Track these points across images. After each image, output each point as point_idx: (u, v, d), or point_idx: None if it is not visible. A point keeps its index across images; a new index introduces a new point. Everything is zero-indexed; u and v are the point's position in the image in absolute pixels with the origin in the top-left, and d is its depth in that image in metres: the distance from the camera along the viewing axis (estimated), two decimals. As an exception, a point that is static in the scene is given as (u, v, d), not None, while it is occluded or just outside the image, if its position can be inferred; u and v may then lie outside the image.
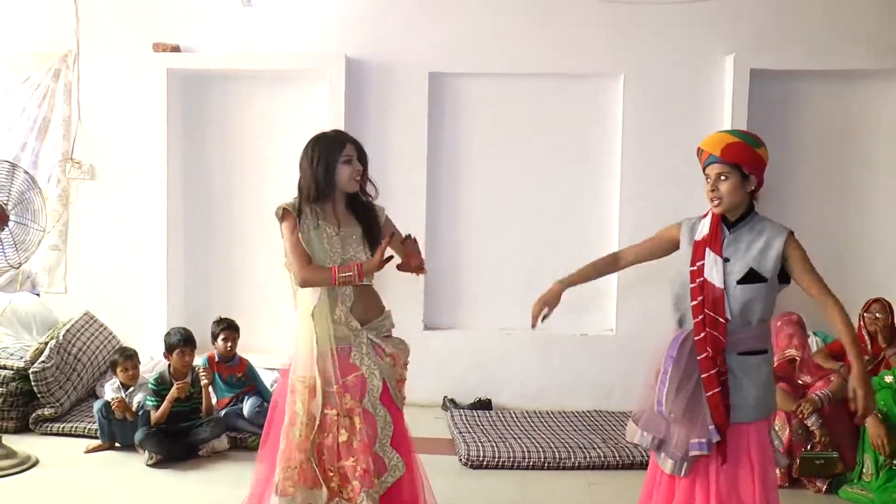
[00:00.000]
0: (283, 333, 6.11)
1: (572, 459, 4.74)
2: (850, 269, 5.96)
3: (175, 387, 4.69)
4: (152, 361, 5.64)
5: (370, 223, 3.33)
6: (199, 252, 6.20)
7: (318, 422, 3.16)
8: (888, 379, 4.25)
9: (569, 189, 6.03)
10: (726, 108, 5.71)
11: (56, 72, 6.09)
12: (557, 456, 4.75)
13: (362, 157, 3.31)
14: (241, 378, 5.17)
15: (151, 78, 5.89)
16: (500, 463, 4.70)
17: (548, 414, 5.65)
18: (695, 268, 2.94)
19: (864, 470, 4.22)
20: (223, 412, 4.96)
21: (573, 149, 6.00)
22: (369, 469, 3.14)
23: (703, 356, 2.88)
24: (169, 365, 4.84)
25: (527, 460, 4.71)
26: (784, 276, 2.93)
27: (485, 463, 4.70)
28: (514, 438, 5.03)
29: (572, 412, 5.70)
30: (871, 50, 5.70)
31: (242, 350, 5.27)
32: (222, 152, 6.16)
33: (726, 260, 2.92)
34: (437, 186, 6.00)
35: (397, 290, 6.19)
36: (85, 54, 6.05)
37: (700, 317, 2.90)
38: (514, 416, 5.58)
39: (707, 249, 2.93)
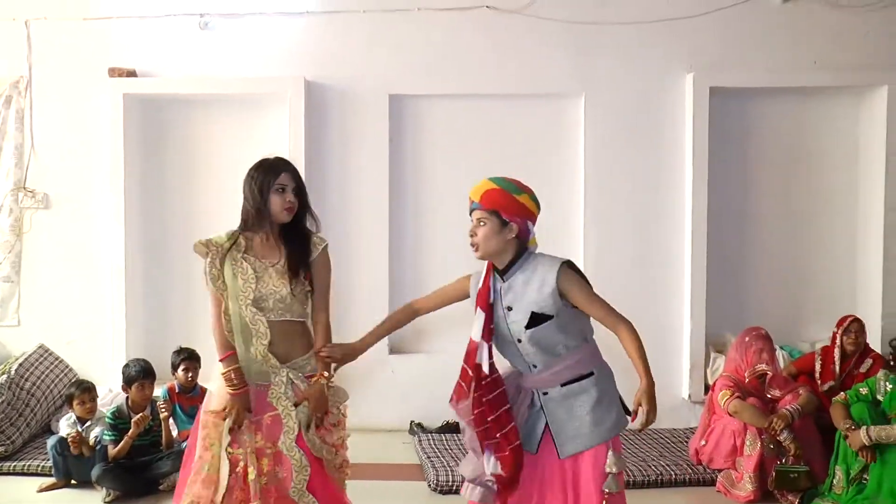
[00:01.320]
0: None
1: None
2: (808, 284, 6.05)
3: (134, 422, 4.52)
4: (111, 394, 5.47)
5: (294, 254, 3.16)
6: (159, 281, 6.07)
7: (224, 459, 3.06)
8: (863, 391, 4.26)
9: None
10: (687, 125, 5.77)
11: (7, 98, 5.93)
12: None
13: (300, 187, 3.17)
14: (203, 409, 5.03)
15: (107, 103, 5.78)
16: (471, 488, 4.62)
17: (517, 436, 5.58)
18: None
19: (834, 482, 4.22)
20: (184, 444, 4.80)
21: (536, 169, 5.97)
22: None
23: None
24: (127, 398, 4.67)
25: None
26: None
27: (454, 488, 4.60)
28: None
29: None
30: (826, 68, 5.81)
31: (203, 380, 5.12)
32: (181, 178, 6.05)
33: (509, 309, 2.93)
34: (400, 209, 5.96)
35: (362, 314, 6.12)
36: (37, 80, 5.91)
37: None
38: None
39: (477, 309, 2.98)
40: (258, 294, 3.09)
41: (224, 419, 3.07)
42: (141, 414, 4.55)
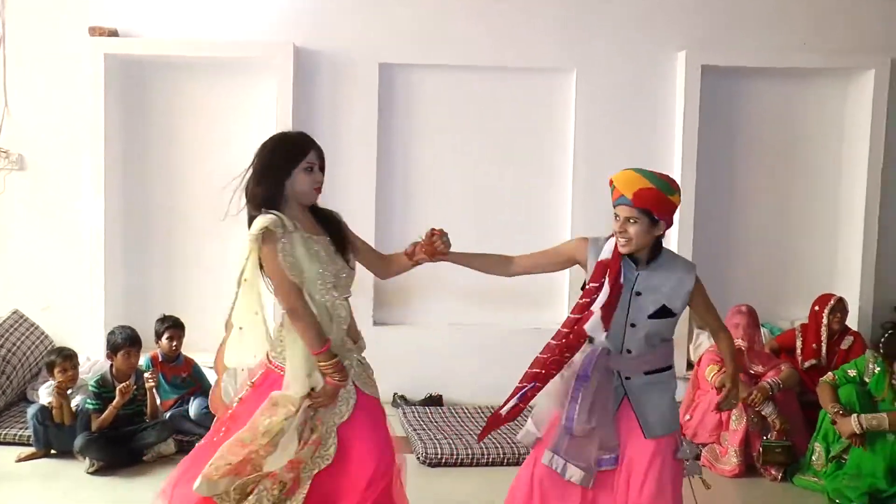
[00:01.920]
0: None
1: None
2: (790, 264, 6.15)
3: (119, 390, 4.43)
4: (89, 362, 5.38)
5: (339, 232, 3.04)
6: (140, 247, 5.93)
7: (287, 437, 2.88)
8: (851, 372, 4.34)
9: (521, 183, 6.01)
10: (678, 103, 5.79)
11: (-20, 55, 5.72)
12: (517, 451, 4.70)
13: (323, 165, 3.01)
14: (187, 378, 4.97)
15: (87, 64, 5.58)
16: (459, 460, 4.64)
17: (501, 409, 5.61)
18: (591, 286, 2.97)
19: (814, 458, 4.32)
20: (168, 414, 4.75)
21: (525, 143, 5.99)
22: (281, 480, 2.90)
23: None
24: (111, 366, 4.59)
25: (486, 457, 4.66)
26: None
27: (443, 461, 4.63)
28: (470, 435, 4.97)
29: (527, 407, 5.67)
30: (817, 50, 5.88)
31: (186, 349, 5.06)
32: (164, 143, 5.90)
33: (637, 294, 2.97)
34: (388, 180, 5.90)
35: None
36: (12, 36, 5.68)
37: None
38: (466, 411, 5.53)
39: (605, 279, 2.94)
40: (334, 275, 2.95)
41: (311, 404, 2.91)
42: (126, 383, 4.47)
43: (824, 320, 4.95)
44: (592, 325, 2.92)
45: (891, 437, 4.03)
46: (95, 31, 5.56)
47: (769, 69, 5.89)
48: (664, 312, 2.96)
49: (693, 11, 5.81)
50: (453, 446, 4.73)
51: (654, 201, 2.89)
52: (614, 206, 2.97)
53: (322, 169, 3.01)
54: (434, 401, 5.75)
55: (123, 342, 4.54)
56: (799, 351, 5.06)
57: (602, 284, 2.93)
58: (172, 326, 4.89)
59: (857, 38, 5.91)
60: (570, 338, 3.01)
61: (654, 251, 3.00)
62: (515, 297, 6.04)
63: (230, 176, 6.03)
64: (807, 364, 4.99)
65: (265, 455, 2.89)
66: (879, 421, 4.01)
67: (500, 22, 5.78)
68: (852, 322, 5.61)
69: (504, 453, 4.68)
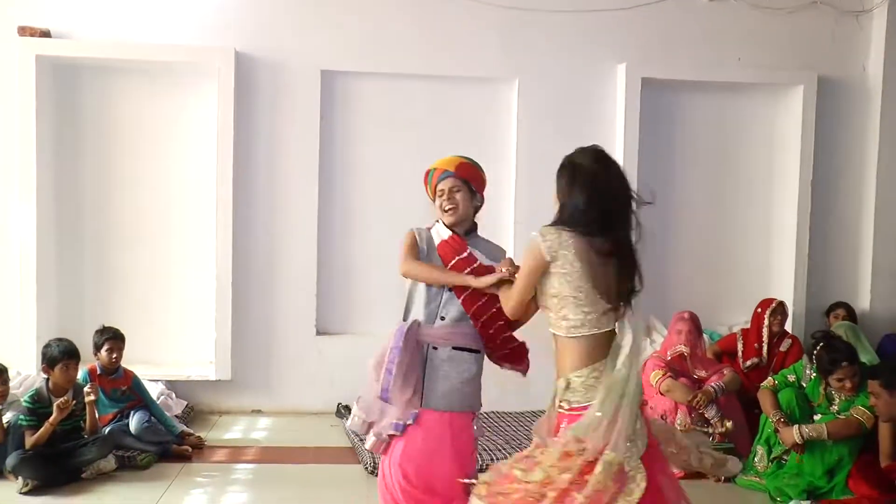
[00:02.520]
0: (166, 342, 5.78)
1: (479, 462, 4.71)
2: (726, 271, 6.35)
3: (57, 406, 4.22)
4: (20, 377, 5.14)
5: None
6: (73, 257, 5.73)
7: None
8: (791, 378, 4.51)
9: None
10: (618, 114, 5.93)
11: None
12: (464, 459, 4.72)
13: None
14: (126, 392, 4.81)
15: (17, 65, 5.36)
16: (407, 470, 4.61)
17: (446, 417, 5.61)
18: (462, 256, 3.15)
19: (756, 459, 4.45)
20: (107, 429, 4.57)
21: (467, 152, 5.87)
22: None
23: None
24: (47, 380, 4.38)
25: (434, 466, 4.65)
26: None
27: (391, 470, 4.60)
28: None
29: (470, 415, 5.69)
30: (750, 66, 6.11)
31: (123, 361, 4.89)
32: (98, 149, 5.72)
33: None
34: (330, 188, 5.84)
35: (290, 293, 6.01)
36: (-65, 37, 5.43)
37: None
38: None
39: (465, 247, 3.17)
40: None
41: None
42: (64, 398, 4.27)
43: (766, 322, 5.13)
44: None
45: (829, 442, 4.19)
46: (26, 31, 5.35)
47: (705, 83, 6.09)
48: None
49: (633, 26, 5.96)
50: (401, 456, 4.70)
51: (473, 174, 3.27)
52: (437, 184, 3.21)
53: None
54: (379, 410, 5.70)
55: (61, 355, 4.35)
56: (740, 352, 5.23)
57: (467, 255, 3.15)
58: (112, 338, 4.73)
59: (788, 55, 6.18)
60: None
61: (470, 229, 3.28)
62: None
63: (168, 183, 5.95)
64: (748, 363, 5.16)
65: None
66: (819, 432, 4.14)
67: (443, 31, 5.82)
68: (788, 325, 5.84)
69: (453, 461, 4.68)
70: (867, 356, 4.95)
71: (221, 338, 5.58)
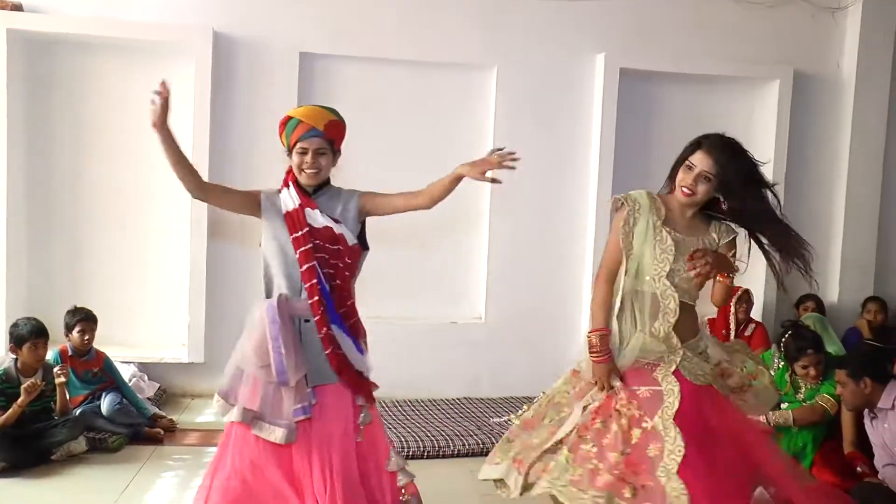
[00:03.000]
0: (138, 324, 5.73)
1: (451, 447, 4.76)
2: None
3: (24, 388, 4.17)
4: (-12, 357, 5.07)
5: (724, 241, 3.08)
6: (44, 236, 5.63)
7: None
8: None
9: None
10: (596, 104, 5.95)
11: None
12: (436, 445, 4.75)
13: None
14: (98, 373, 4.78)
15: (-13, 39, 5.24)
16: (381, 454, 4.63)
17: (419, 402, 5.64)
18: (299, 234, 3.00)
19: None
20: (78, 411, 4.54)
21: (445, 138, 6.00)
22: (625, 479, 2.83)
23: (318, 317, 2.97)
24: (16, 360, 4.33)
25: (406, 450, 4.67)
26: (365, 243, 3.17)
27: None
28: (390, 429, 4.97)
29: (443, 400, 5.73)
30: (728, 59, 6.16)
31: (99, 343, 4.86)
32: (72, 127, 5.61)
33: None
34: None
35: (261, 276, 5.92)
36: None
37: (314, 280, 2.97)
38: (384, 405, 5.51)
39: (308, 212, 3.03)
40: (673, 268, 2.96)
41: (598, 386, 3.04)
42: (32, 380, 4.22)
43: (732, 310, 5.23)
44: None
45: (794, 429, 4.29)
46: (-2, 5, 5.25)
47: (683, 75, 6.14)
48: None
49: (613, 16, 5.98)
50: (374, 440, 4.72)
51: (340, 133, 3.12)
52: (300, 141, 3.01)
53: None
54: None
55: (29, 334, 4.29)
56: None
57: (307, 233, 3.00)
58: (84, 319, 4.69)
59: (764, 49, 6.24)
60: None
61: (323, 184, 3.12)
62: (433, 291, 6.08)
63: (143, 162, 5.86)
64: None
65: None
66: (785, 419, 4.26)
67: (423, 16, 5.79)
68: (758, 314, 5.93)
69: (423, 447, 4.72)
70: (833, 347, 5.06)
71: (195, 320, 5.54)
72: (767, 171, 6.14)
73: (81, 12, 5.39)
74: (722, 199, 3.06)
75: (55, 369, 4.38)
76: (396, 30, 5.77)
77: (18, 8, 5.28)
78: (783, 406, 4.40)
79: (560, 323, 6.04)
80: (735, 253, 3.15)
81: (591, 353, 3.02)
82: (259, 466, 3.03)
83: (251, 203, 3.13)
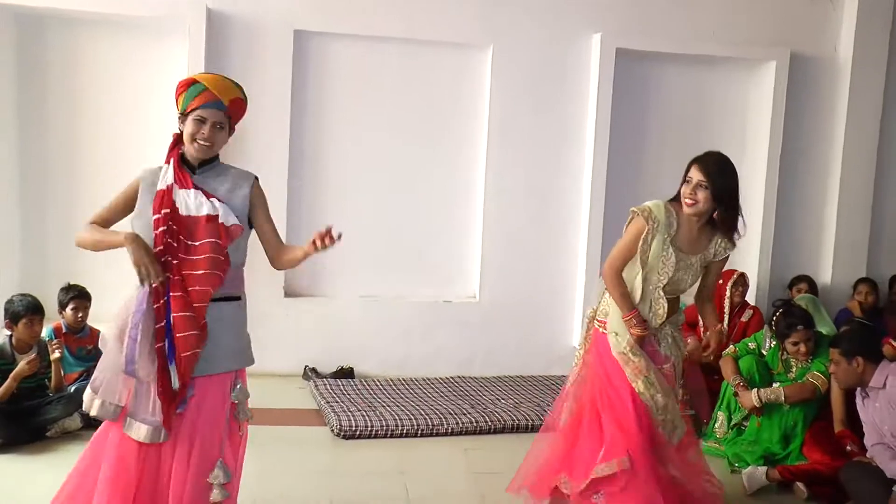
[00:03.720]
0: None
1: (445, 426, 4.78)
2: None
3: (25, 363, 4.19)
4: (-19, 334, 5.06)
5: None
6: (37, 212, 5.61)
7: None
8: (751, 345, 4.64)
9: (434, 156, 6.02)
10: (592, 84, 5.93)
11: None
12: (430, 423, 4.77)
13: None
14: (92, 350, 4.76)
15: (-25, 15, 5.21)
16: (374, 432, 4.65)
17: (412, 381, 5.66)
18: (160, 215, 2.79)
19: (717, 426, 4.58)
20: (73, 388, 4.53)
21: (440, 117, 6.00)
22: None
23: (157, 305, 2.74)
24: (10, 336, 4.33)
25: (400, 428, 4.70)
26: (250, 223, 2.97)
27: (357, 433, 4.63)
28: (384, 407, 5.00)
29: (436, 379, 5.75)
30: (724, 40, 6.15)
31: (93, 320, 4.85)
32: (63, 104, 5.58)
33: (199, 188, 2.85)
34: (300, 150, 5.79)
35: (259, 254, 5.87)
36: None
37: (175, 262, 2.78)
38: (378, 384, 5.55)
39: (178, 192, 2.82)
40: (670, 279, 3.40)
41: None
42: (32, 356, 4.23)
43: (727, 293, 5.23)
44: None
45: (786, 407, 4.32)
46: (-12, -20, 5.19)
47: (680, 55, 6.12)
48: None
49: (608, -4, 5.96)
50: (367, 418, 4.74)
51: (241, 111, 2.95)
52: (201, 108, 2.82)
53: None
54: (345, 373, 5.73)
55: (25, 310, 4.29)
56: (701, 323, 5.32)
57: (168, 214, 2.79)
58: (78, 297, 4.68)
59: (762, 30, 6.22)
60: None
61: (211, 159, 2.93)
62: (426, 270, 6.09)
63: (136, 140, 5.81)
64: (709, 334, 5.25)
65: None
66: (777, 395, 4.29)
67: (417, -6, 5.75)
68: (752, 297, 5.96)
69: (418, 425, 4.73)
70: (826, 328, 5.08)
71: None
72: (763, 151, 6.29)
73: (73, -13, 5.33)
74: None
75: (51, 343, 4.38)
76: (392, 8, 5.73)
77: (9, -17, 5.23)
78: (775, 385, 4.44)
79: (554, 303, 6.06)
80: (725, 261, 3.63)
81: (634, 328, 3.41)
82: (120, 467, 2.81)
83: (132, 195, 2.97)
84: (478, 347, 6.01)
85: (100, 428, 2.94)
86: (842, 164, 6.35)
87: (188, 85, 2.88)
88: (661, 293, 3.41)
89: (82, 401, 4.33)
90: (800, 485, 3.94)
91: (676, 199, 3.42)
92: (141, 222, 2.89)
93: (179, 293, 2.76)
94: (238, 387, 2.94)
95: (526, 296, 6.03)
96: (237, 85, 2.93)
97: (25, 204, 5.57)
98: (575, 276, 6.04)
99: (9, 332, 4.35)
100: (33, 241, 5.62)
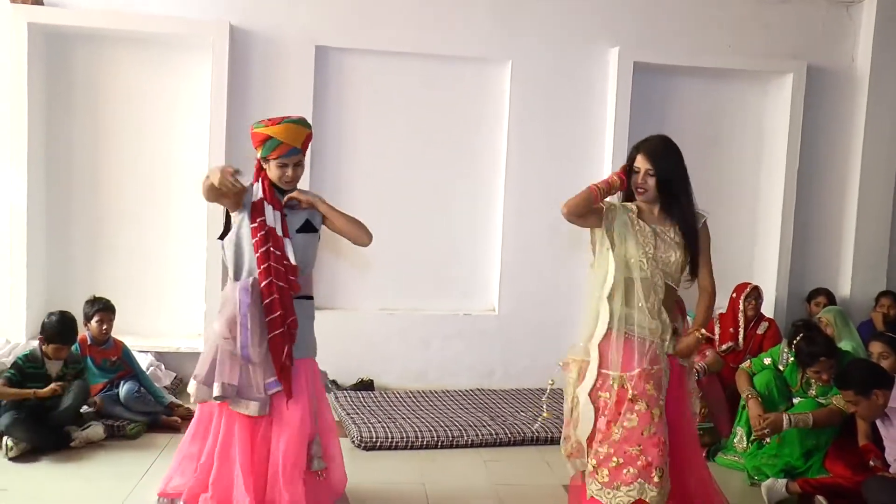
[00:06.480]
0: (155, 314, 5.80)
1: (465, 438, 4.80)
2: (714, 255, 6.37)
3: (49, 389, 4.27)
4: (9, 345, 5.15)
5: (687, 226, 3.40)
6: (63, 226, 5.71)
7: (586, 404, 3.35)
8: (767, 361, 4.61)
9: (453, 170, 6.07)
10: (610, 97, 5.97)
11: None
12: (450, 435, 4.80)
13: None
14: (116, 362, 4.84)
15: (9, 33, 5.29)
16: (394, 444, 4.68)
17: (432, 393, 5.69)
18: (255, 224, 3.34)
19: (736, 440, 4.56)
20: (97, 398, 4.62)
21: (459, 131, 6.05)
22: (655, 464, 3.18)
23: (269, 300, 3.29)
24: (42, 349, 4.42)
25: (420, 440, 4.73)
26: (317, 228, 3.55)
27: (378, 444, 4.66)
28: (403, 419, 5.03)
29: (455, 391, 5.77)
30: (741, 53, 6.18)
31: (117, 332, 4.94)
32: (90, 119, 5.68)
33: (284, 214, 3.41)
34: (321, 164, 5.85)
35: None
36: (-75, 2, 5.36)
37: (265, 264, 3.30)
38: (398, 396, 5.58)
39: (266, 206, 3.37)
40: (656, 253, 3.32)
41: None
42: (55, 386, 4.29)
43: (740, 306, 5.22)
44: (288, 250, 3.37)
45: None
46: (18, -1, 5.31)
47: (696, 68, 6.14)
48: (308, 227, 3.46)
49: (626, 10, 6.00)
50: (387, 430, 4.78)
51: (310, 141, 3.50)
52: (282, 157, 3.36)
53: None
54: (365, 385, 5.77)
55: (56, 338, 4.38)
56: (717, 336, 5.32)
57: (263, 221, 3.34)
58: (103, 309, 4.76)
59: (778, 43, 6.25)
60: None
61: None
62: (445, 282, 6.13)
63: (160, 154, 5.91)
64: (723, 347, 5.25)
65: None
66: (805, 421, 4.19)
67: (438, 10, 5.82)
68: (769, 310, 5.94)
69: (438, 437, 4.76)
70: (852, 343, 5.03)
71: (211, 310, 5.59)
72: (780, 164, 6.29)
73: (100, 6, 5.44)
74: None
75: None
76: (411, 23, 5.80)
77: (39, 2, 5.34)
78: (796, 402, 4.43)
79: (573, 316, 6.02)
80: (707, 233, 3.50)
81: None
82: (226, 445, 3.39)
83: (242, 198, 3.41)
84: (497, 360, 6.04)
85: (197, 414, 3.57)
86: (860, 175, 6.33)
87: (264, 140, 3.37)
88: (655, 264, 3.31)
89: (106, 411, 4.53)
90: (821, 498, 3.90)
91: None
92: (247, 230, 3.38)
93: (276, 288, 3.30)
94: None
95: (545, 308, 6.05)
96: (303, 123, 3.44)
97: (52, 217, 5.67)
98: (593, 288, 6.05)
99: (41, 344, 4.43)
100: (59, 254, 5.71)
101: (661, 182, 3.32)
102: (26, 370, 4.33)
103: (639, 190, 3.37)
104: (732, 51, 6.15)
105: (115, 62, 5.65)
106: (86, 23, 5.42)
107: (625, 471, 3.21)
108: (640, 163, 3.36)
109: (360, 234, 3.54)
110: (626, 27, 5.99)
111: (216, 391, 3.28)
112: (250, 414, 3.30)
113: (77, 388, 4.39)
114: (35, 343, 4.51)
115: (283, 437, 3.35)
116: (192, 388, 3.36)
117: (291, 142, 3.35)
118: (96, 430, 4.42)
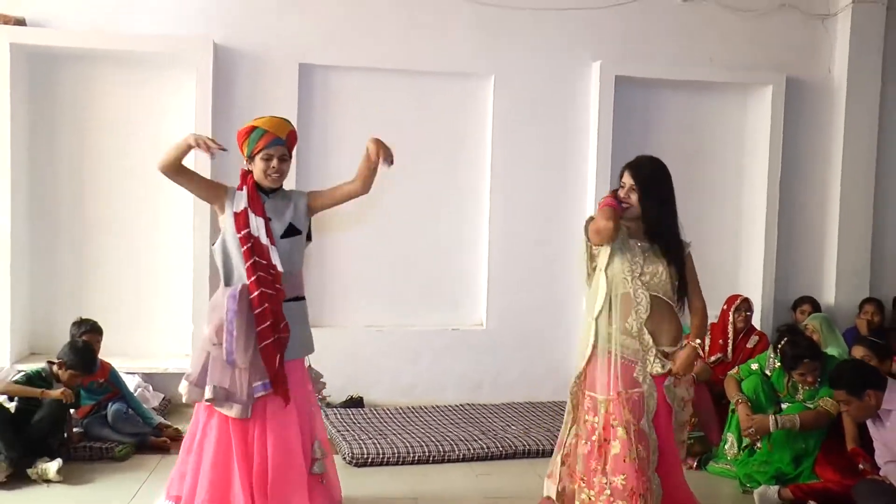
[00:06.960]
0: (142, 335, 5.75)
1: (456, 452, 4.79)
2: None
3: (60, 392, 4.28)
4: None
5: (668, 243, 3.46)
6: (48, 248, 5.67)
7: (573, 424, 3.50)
8: (754, 367, 4.64)
9: (439, 186, 6.09)
10: (592, 111, 6.03)
11: None
12: (441, 450, 4.78)
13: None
14: (104, 384, 4.79)
15: (-9, 54, 5.27)
16: (385, 460, 4.66)
17: (421, 409, 5.67)
18: (241, 234, 3.39)
19: (726, 447, 4.58)
20: (85, 421, 4.57)
21: (444, 146, 6.08)
22: (637, 491, 3.25)
23: (260, 310, 3.35)
24: (52, 370, 4.42)
25: (412, 455, 4.71)
26: (309, 236, 3.63)
27: (370, 460, 4.64)
28: (394, 434, 5.02)
29: (445, 406, 5.76)
30: (721, 65, 6.28)
31: (105, 354, 4.89)
32: (74, 140, 5.66)
33: (269, 220, 3.45)
34: (306, 178, 5.79)
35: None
36: None
37: (254, 276, 3.36)
38: (388, 412, 5.56)
39: (250, 215, 3.41)
40: (644, 270, 3.38)
41: None
42: (67, 391, 4.31)
43: (730, 318, 5.26)
44: (273, 256, 3.41)
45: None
46: (0, 19, 5.27)
47: (678, 81, 6.23)
48: (292, 231, 3.50)
49: (608, 25, 6.08)
50: (378, 446, 4.76)
51: (295, 141, 3.58)
52: (266, 148, 3.41)
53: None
54: (355, 402, 5.75)
55: (80, 364, 4.41)
56: (706, 347, 5.35)
57: (248, 232, 3.39)
58: (90, 331, 4.73)
59: (757, 55, 6.35)
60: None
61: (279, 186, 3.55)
62: (433, 298, 6.13)
63: (145, 173, 5.88)
64: (713, 358, 5.28)
65: None
66: (793, 422, 4.24)
67: (420, 26, 5.87)
68: (756, 321, 5.96)
69: (429, 452, 4.74)
70: (838, 349, 5.08)
71: (199, 331, 5.55)
72: (762, 174, 6.37)
73: (83, 26, 5.44)
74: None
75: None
76: (395, 40, 5.85)
77: (21, 22, 5.33)
78: (784, 406, 4.46)
79: (560, 329, 6.09)
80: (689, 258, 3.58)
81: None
82: (221, 443, 3.44)
83: (216, 193, 3.51)
84: (486, 374, 6.04)
85: (189, 428, 3.60)
86: (840, 184, 6.43)
87: (249, 132, 3.44)
88: (640, 283, 3.35)
89: (93, 433, 4.50)
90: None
91: None
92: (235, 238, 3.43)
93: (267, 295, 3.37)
94: (309, 365, 3.66)
95: (533, 322, 6.07)
96: (287, 120, 3.54)
97: (36, 237, 5.63)
98: (581, 301, 6.06)
99: (53, 367, 4.42)
100: (43, 273, 5.66)
101: (644, 198, 3.40)
102: (36, 382, 4.33)
103: (622, 205, 3.43)
104: (713, 64, 6.24)
105: (99, 81, 5.64)
106: (69, 43, 5.41)
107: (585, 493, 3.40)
108: (626, 178, 3.46)
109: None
110: (607, 41, 6.07)
111: (208, 393, 3.35)
112: (233, 416, 3.37)
113: (48, 404, 4.29)
114: (47, 367, 4.47)
115: (273, 440, 3.42)
116: (183, 388, 3.43)
117: (276, 131, 3.42)
118: (51, 467, 4.13)
